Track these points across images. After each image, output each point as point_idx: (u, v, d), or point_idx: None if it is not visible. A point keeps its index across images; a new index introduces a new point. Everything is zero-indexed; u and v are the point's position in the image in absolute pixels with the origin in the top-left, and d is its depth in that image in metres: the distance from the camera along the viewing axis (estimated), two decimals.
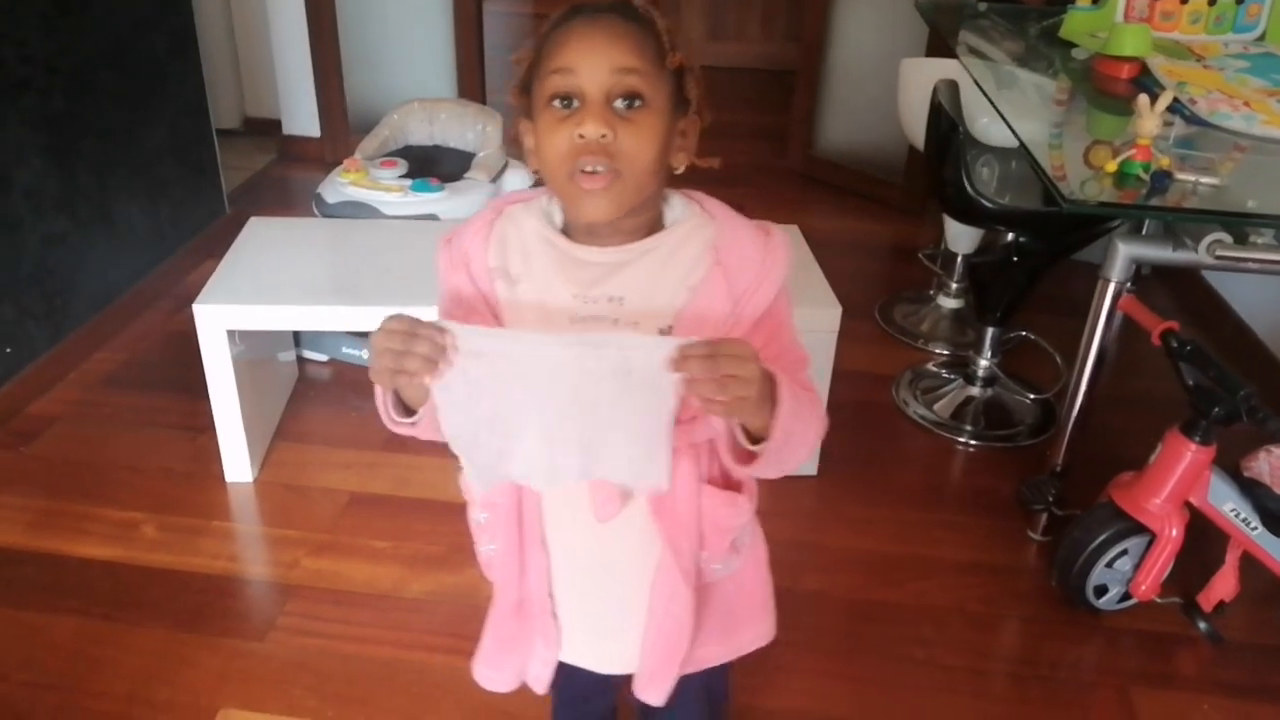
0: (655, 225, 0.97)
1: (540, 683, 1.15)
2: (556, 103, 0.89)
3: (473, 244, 0.99)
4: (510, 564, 1.08)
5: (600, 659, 1.15)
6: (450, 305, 1.02)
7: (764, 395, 0.86)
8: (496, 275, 0.98)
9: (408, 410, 0.97)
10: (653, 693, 1.09)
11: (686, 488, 1.00)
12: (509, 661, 1.15)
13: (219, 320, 2.07)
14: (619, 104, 0.88)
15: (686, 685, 1.11)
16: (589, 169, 0.88)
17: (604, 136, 0.87)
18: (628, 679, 1.13)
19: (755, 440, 0.91)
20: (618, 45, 0.88)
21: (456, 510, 2.15)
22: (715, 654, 1.15)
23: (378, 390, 0.96)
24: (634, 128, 0.88)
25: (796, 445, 0.92)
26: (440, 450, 2.54)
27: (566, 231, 0.98)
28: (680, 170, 0.97)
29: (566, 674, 1.17)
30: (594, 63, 0.87)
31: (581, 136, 0.87)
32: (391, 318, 0.88)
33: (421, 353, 0.86)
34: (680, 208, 0.99)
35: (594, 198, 0.89)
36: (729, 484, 1.03)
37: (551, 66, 0.89)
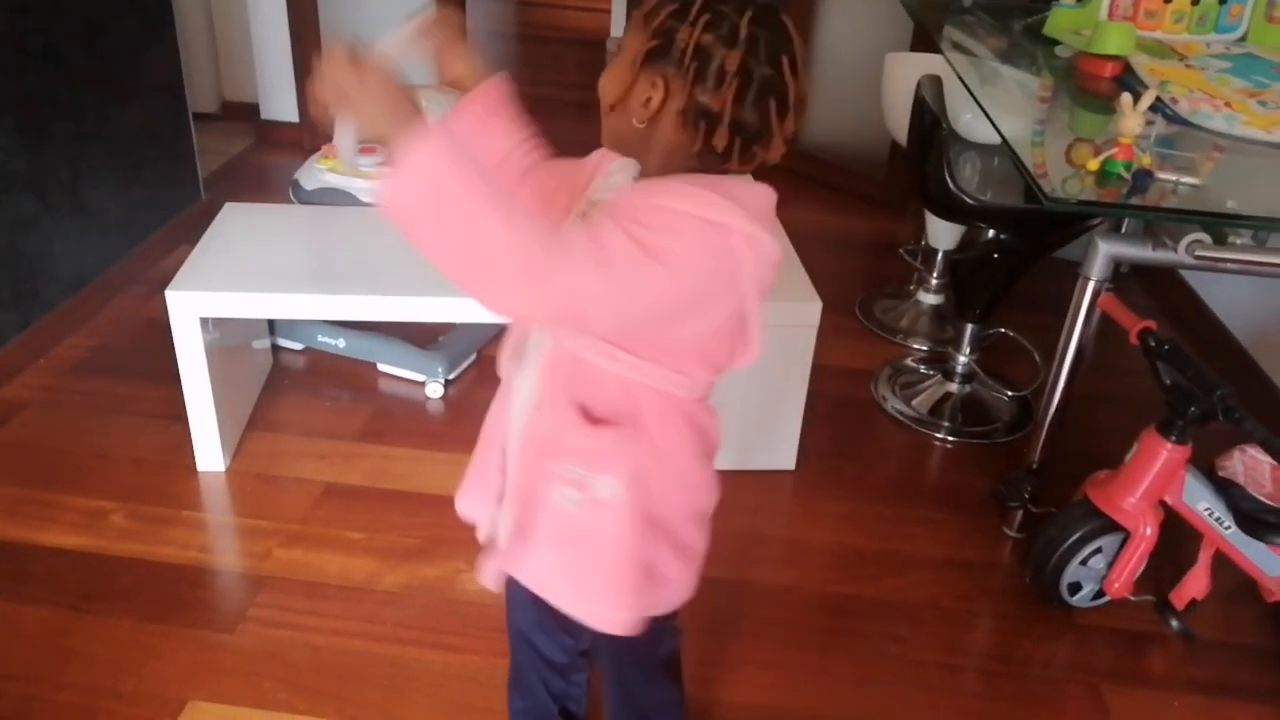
0: (642, 164, 1.05)
1: (483, 531, 1.25)
2: None
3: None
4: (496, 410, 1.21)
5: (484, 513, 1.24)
6: None
7: (381, 112, 0.90)
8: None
9: None
10: (512, 556, 1.17)
11: (567, 365, 1.07)
12: (471, 488, 1.27)
13: (192, 307, 2.04)
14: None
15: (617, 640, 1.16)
16: None
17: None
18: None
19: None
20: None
21: (432, 502, 2.15)
22: (560, 589, 1.17)
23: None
24: (608, 70, 1.05)
25: (449, 223, 0.87)
26: (417, 442, 2.52)
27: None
28: (641, 125, 1.01)
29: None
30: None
31: None
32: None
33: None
34: (658, 168, 1.05)
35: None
36: (587, 415, 1.08)
37: None
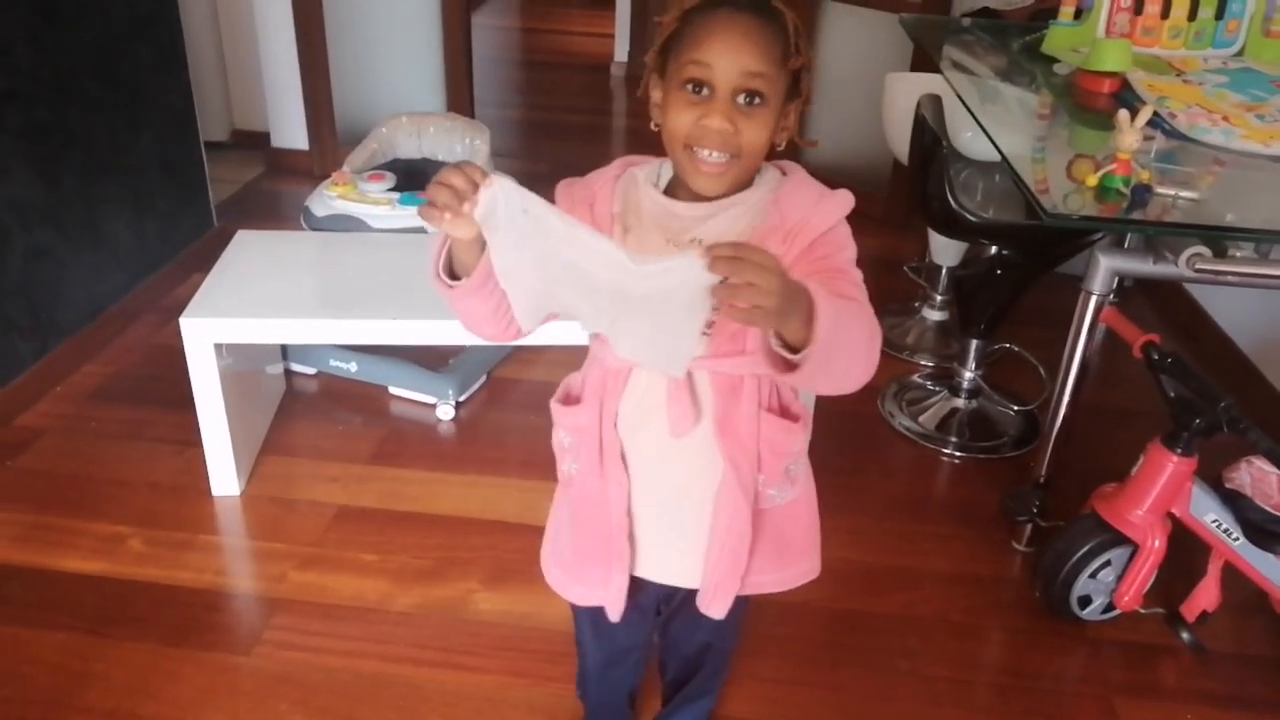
0: (745, 185, 1.10)
1: (615, 610, 1.28)
2: (689, 88, 1.03)
3: (601, 190, 1.13)
4: (591, 482, 1.22)
5: (667, 571, 1.27)
6: None
7: (792, 306, 0.92)
8: (617, 220, 1.11)
9: (456, 277, 1.07)
10: (716, 606, 1.24)
11: (747, 413, 1.15)
12: (588, 576, 1.28)
13: (206, 334, 2.07)
14: (741, 100, 1.02)
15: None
16: (709, 157, 1.03)
17: (727, 129, 1.01)
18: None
19: (796, 350, 0.98)
20: (751, 50, 1.00)
21: (444, 523, 2.17)
22: (768, 581, 1.28)
23: (435, 245, 1.07)
24: (754, 122, 1.03)
25: (840, 356, 0.99)
26: (429, 463, 2.53)
27: (669, 188, 1.12)
28: (782, 147, 1.10)
29: (614, 630, 1.33)
30: (728, 63, 1.00)
31: (707, 125, 1.01)
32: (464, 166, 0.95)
33: (453, 184, 0.94)
34: (764, 171, 1.12)
35: (709, 179, 1.05)
36: (786, 415, 1.18)
37: (690, 56, 1.02)
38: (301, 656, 1.83)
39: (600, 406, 1.18)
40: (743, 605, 1.33)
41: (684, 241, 1.08)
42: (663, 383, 1.14)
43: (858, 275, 1.09)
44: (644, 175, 1.13)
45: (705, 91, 1.02)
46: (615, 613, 1.28)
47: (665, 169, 1.13)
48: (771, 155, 1.09)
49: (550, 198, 1.04)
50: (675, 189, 1.12)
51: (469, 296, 1.06)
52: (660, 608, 1.45)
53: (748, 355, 1.09)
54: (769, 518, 1.24)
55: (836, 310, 0.96)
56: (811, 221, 1.08)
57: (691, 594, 1.27)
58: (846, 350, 1.00)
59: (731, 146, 1.03)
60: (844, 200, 1.10)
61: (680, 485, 1.20)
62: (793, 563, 1.30)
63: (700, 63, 1.01)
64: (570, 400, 1.24)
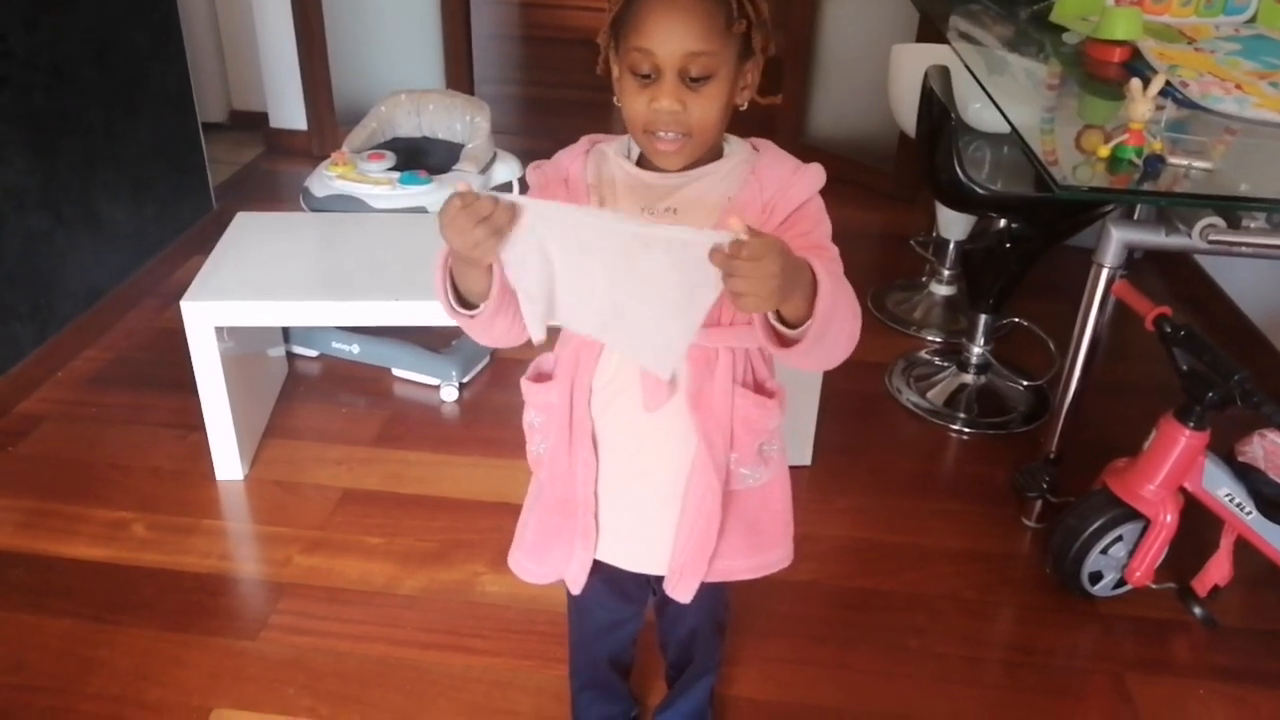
0: (714, 154, 1.11)
1: (576, 583, 1.27)
2: (636, 73, 1.03)
3: (572, 166, 1.13)
4: (560, 461, 1.21)
5: (634, 557, 1.26)
6: None
7: (794, 285, 0.94)
8: (593, 191, 1.12)
9: (464, 303, 1.09)
10: (682, 589, 1.23)
11: (722, 387, 1.14)
12: (550, 556, 1.28)
13: (207, 317, 2.05)
14: (690, 79, 1.01)
15: (702, 591, 1.24)
16: (665, 135, 1.03)
17: (676, 109, 1.01)
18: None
19: (793, 325, 1.00)
20: (690, 29, 0.99)
21: (449, 505, 2.16)
22: (741, 567, 1.26)
23: (437, 280, 1.08)
24: (703, 98, 1.02)
25: (836, 334, 1.02)
26: (433, 445, 2.52)
27: (640, 159, 1.12)
28: (744, 107, 1.10)
29: (590, 606, 1.35)
30: (669, 48, 1.00)
31: (657, 108, 1.02)
32: (461, 195, 0.96)
33: (496, 223, 0.96)
34: (736, 144, 1.13)
35: (669, 157, 1.06)
36: (761, 390, 1.18)
37: (633, 42, 1.01)
38: (308, 641, 1.82)
39: (572, 383, 1.17)
40: (724, 586, 1.32)
41: (659, 210, 1.09)
42: None
43: (836, 251, 1.09)
44: (614, 150, 1.14)
45: (652, 75, 1.02)
46: (576, 586, 1.27)
47: (635, 142, 1.13)
48: (736, 115, 1.09)
49: None
50: (645, 161, 1.12)
51: (488, 319, 1.08)
52: (654, 588, 1.44)
53: (723, 328, 1.10)
54: (741, 500, 1.22)
55: (835, 288, 0.98)
56: (789, 193, 1.09)
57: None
58: (838, 326, 1.02)
59: (683, 125, 1.03)
60: (817, 173, 1.12)
61: (650, 466, 1.20)
62: (766, 549, 1.28)
63: (642, 49, 1.00)
64: (542, 378, 1.23)
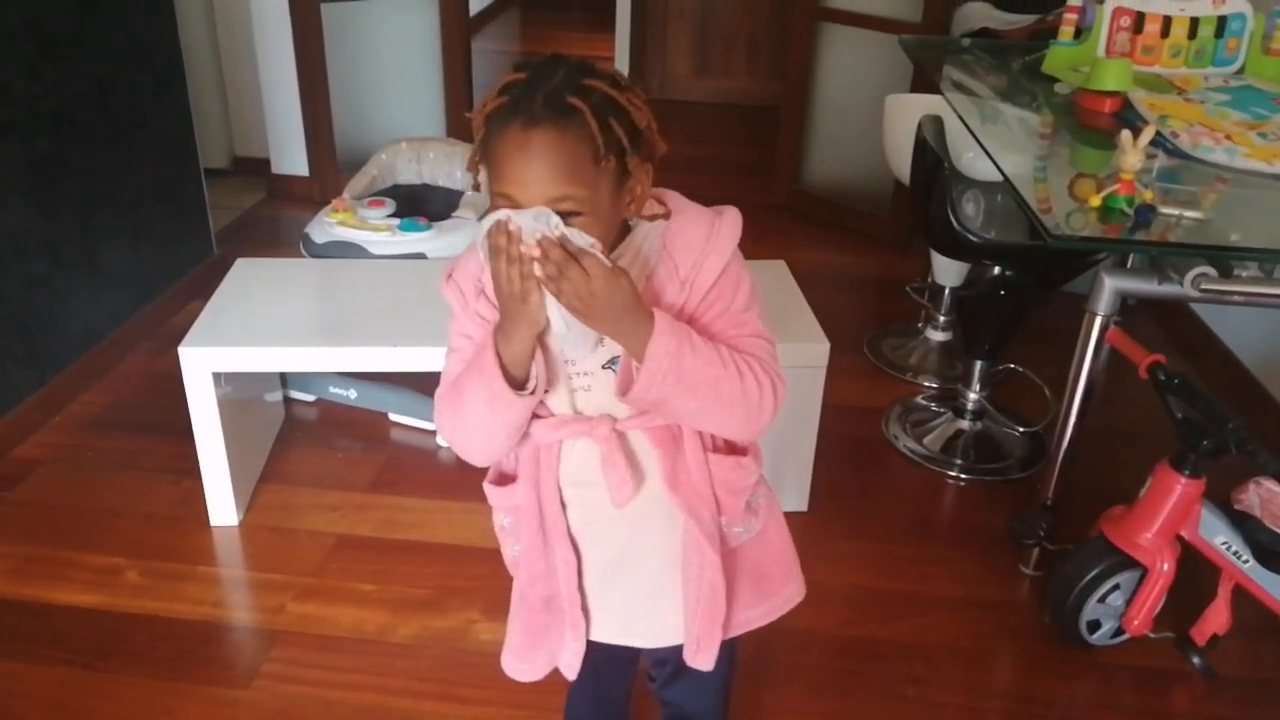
0: (621, 234, 1.05)
1: (571, 670, 1.24)
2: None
3: (485, 274, 1.05)
4: (536, 563, 1.18)
5: (643, 635, 1.25)
6: (475, 331, 1.09)
7: (628, 324, 0.95)
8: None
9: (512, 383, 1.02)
10: (702, 659, 1.20)
11: (695, 457, 1.11)
12: (539, 654, 1.26)
13: (205, 363, 2.06)
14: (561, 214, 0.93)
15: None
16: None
17: None
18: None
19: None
20: (550, 173, 0.92)
21: (443, 552, 2.14)
22: (754, 617, 1.25)
23: (486, 373, 1.01)
24: (580, 227, 0.94)
25: (687, 397, 0.99)
26: (429, 491, 2.50)
27: None
28: (635, 218, 1.04)
29: (588, 677, 1.27)
30: (530, 193, 0.93)
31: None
32: (503, 225, 0.92)
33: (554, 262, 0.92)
34: (643, 217, 1.05)
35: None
36: (733, 450, 1.14)
37: (495, 186, 0.96)
38: (300, 690, 1.80)
39: (537, 483, 1.13)
40: (727, 667, 1.32)
41: None
42: (597, 450, 1.09)
43: (759, 326, 1.07)
44: None
45: None
46: (571, 673, 1.24)
47: None
48: (625, 220, 1.04)
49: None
50: None
51: (529, 401, 1.03)
52: (653, 673, 1.41)
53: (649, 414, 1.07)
54: (740, 555, 1.20)
55: (682, 349, 0.97)
56: (706, 264, 1.04)
57: (675, 652, 1.23)
58: (697, 394, 0.99)
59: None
60: (731, 231, 1.05)
61: (641, 552, 1.16)
62: (774, 592, 1.27)
63: (505, 195, 0.94)
64: (504, 480, 1.19)
